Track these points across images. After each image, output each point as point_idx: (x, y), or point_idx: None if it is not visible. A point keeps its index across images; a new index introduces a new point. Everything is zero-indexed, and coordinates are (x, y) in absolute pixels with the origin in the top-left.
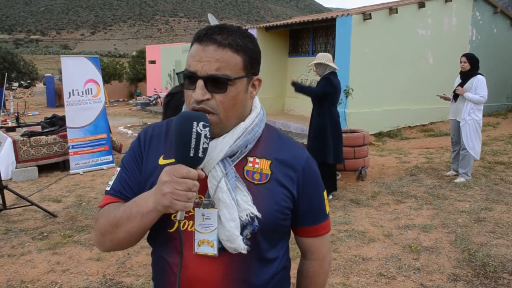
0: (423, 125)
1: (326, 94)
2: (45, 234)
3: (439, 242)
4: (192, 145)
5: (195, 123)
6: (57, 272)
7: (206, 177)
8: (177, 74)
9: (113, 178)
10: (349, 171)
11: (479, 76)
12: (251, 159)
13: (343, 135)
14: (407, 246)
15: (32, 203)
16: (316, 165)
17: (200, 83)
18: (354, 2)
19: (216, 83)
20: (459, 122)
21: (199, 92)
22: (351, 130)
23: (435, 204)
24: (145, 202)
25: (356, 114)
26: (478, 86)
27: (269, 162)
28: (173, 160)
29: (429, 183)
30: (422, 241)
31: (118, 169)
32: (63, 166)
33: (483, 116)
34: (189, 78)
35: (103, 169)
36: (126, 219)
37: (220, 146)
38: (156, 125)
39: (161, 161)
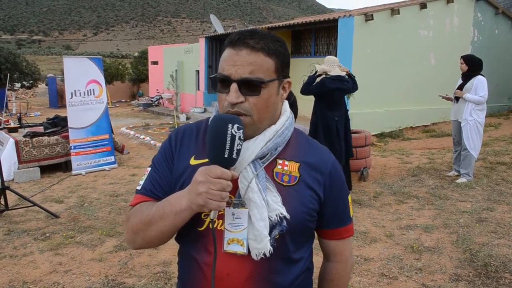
0: (425, 126)
1: (313, 94)
2: (47, 234)
3: (441, 242)
4: (227, 147)
5: (230, 125)
6: (59, 272)
7: (237, 177)
8: (210, 78)
9: (144, 177)
10: (351, 171)
11: (479, 76)
12: (280, 161)
13: None
14: (409, 246)
15: (34, 204)
16: (341, 169)
17: (234, 86)
18: (356, 3)
19: (249, 86)
20: (460, 123)
21: (233, 95)
22: (353, 131)
23: (437, 205)
24: (178, 202)
25: (358, 114)
26: (478, 86)
27: (297, 164)
28: (204, 161)
29: (431, 184)
30: (424, 241)
31: (149, 169)
32: (65, 166)
33: (485, 116)
34: (222, 81)
35: (105, 169)
36: (159, 218)
37: (252, 148)
38: (187, 126)
39: (192, 161)
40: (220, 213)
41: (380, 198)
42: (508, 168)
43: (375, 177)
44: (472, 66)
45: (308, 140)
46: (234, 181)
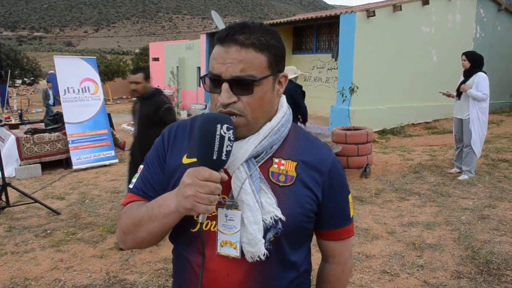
0: (427, 123)
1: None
2: (49, 231)
3: (443, 240)
4: (216, 148)
5: (219, 125)
6: (60, 269)
7: (231, 176)
8: (201, 78)
9: (137, 176)
10: (353, 168)
11: (480, 73)
12: (276, 160)
13: (347, 132)
14: (410, 243)
15: (36, 201)
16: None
17: (225, 86)
18: None
19: (241, 85)
20: (462, 120)
21: (224, 95)
22: (355, 128)
23: (439, 202)
24: (167, 203)
25: (360, 111)
26: (479, 83)
27: (294, 164)
28: (196, 160)
29: (433, 181)
30: (426, 238)
31: (142, 166)
32: (66, 163)
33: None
34: (213, 81)
35: (105, 165)
36: (148, 219)
37: (245, 147)
38: (180, 122)
39: (185, 160)
40: (213, 214)
41: (381, 195)
42: (510, 165)
43: (377, 174)
44: (475, 62)
45: (307, 137)
46: (228, 180)
